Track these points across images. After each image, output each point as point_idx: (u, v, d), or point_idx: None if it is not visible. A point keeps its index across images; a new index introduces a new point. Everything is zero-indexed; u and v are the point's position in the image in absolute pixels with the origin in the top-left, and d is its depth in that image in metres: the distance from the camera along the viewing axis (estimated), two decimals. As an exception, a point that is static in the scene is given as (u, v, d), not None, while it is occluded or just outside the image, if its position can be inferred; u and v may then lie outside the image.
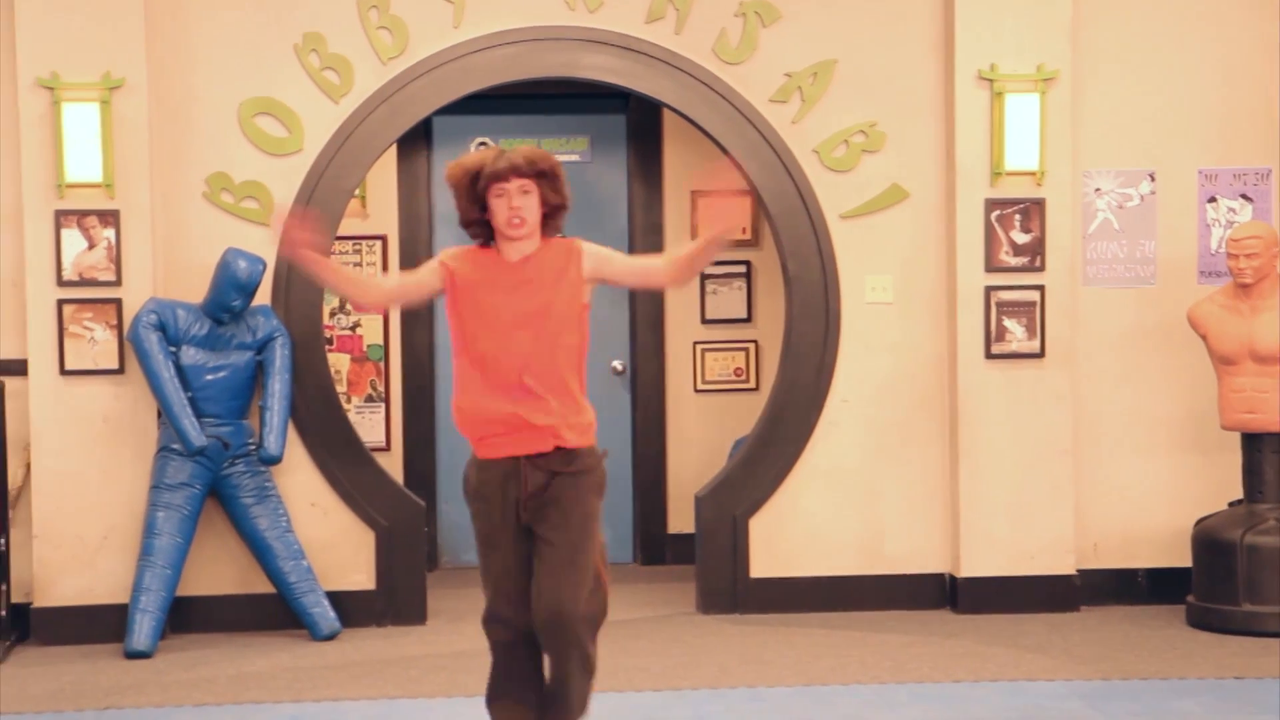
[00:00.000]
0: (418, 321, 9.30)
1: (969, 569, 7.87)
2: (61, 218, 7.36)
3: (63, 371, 7.38)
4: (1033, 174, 7.79)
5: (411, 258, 9.20)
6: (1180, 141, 8.02)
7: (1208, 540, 7.56)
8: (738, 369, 9.32)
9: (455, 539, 9.38)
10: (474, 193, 4.89)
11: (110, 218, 7.37)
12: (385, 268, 9.19)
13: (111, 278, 7.39)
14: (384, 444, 9.14)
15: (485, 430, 4.94)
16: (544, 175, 4.90)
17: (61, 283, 7.37)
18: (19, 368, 7.41)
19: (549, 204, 4.94)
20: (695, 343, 9.34)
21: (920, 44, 7.91)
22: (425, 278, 5.06)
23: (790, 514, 7.92)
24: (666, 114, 8.94)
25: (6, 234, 7.46)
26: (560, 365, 4.92)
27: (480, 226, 4.95)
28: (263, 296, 7.55)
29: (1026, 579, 7.86)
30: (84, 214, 7.36)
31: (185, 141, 7.58)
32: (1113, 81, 7.97)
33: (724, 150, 7.84)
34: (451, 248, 5.13)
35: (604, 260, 5.04)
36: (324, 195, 7.64)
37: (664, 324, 9.40)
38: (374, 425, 9.14)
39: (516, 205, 4.85)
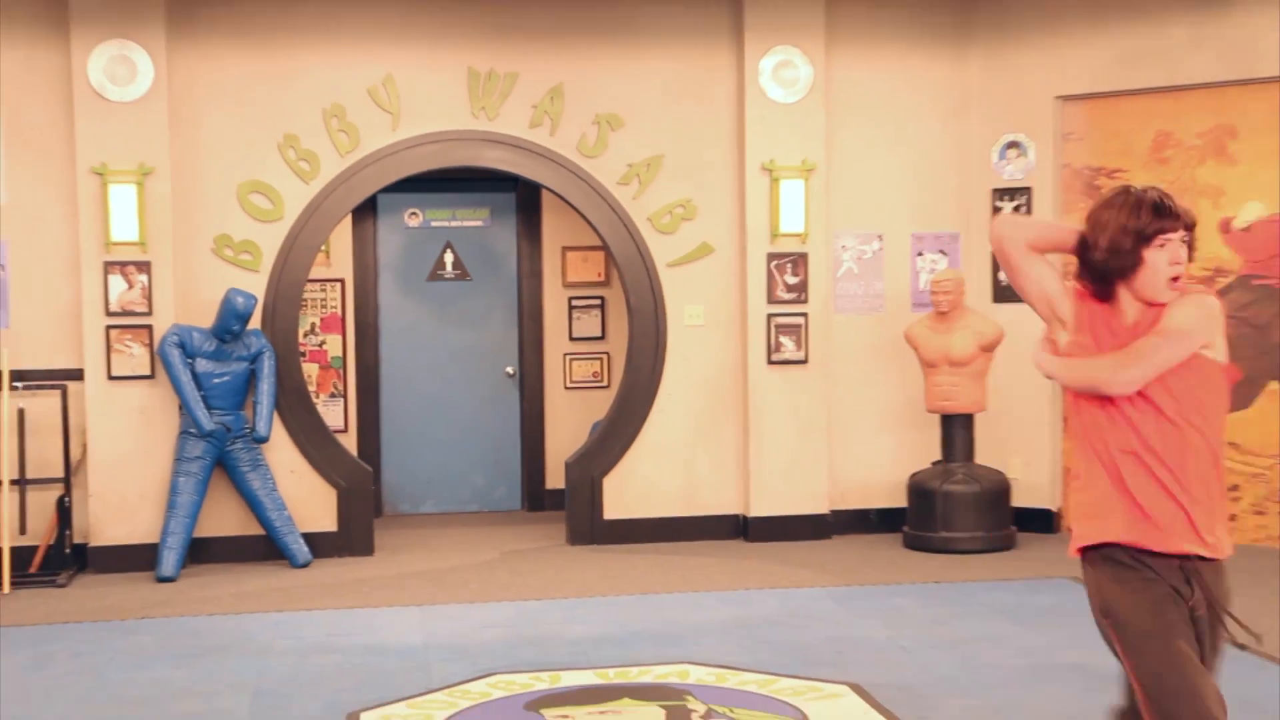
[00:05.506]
0: (367, 341, 9.03)
1: (756, 511, 7.89)
2: (109, 267, 7.28)
3: (110, 377, 7.29)
4: (799, 235, 7.80)
5: (363, 294, 8.95)
6: (898, 213, 8.08)
7: (917, 488, 7.61)
8: (595, 372, 9.21)
9: (394, 494, 9.17)
10: (1135, 242, 2.98)
11: (144, 267, 7.28)
12: (344, 303, 8.88)
13: (145, 310, 7.30)
14: (343, 427, 8.91)
15: None
16: (1193, 227, 3.07)
17: (109, 314, 7.28)
18: (78, 375, 7.35)
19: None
20: (565, 354, 9.15)
21: (721, 144, 7.88)
22: (1052, 286, 3.11)
23: (632, 475, 7.92)
24: (544, 193, 8.82)
25: (69, 279, 7.35)
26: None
27: (1107, 282, 3.06)
28: (255, 322, 7.47)
29: (796, 517, 7.89)
30: (124, 264, 7.27)
31: (197, 211, 7.45)
32: (853, 171, 8.00)
33: (587, 220, 7.79)
34: (1071, 281, 3.15)
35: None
36: (299, 250, 7.53)
37: (543, 340, 9.13)
38: (336, 414, 8.92)
39: (1180, 259, 3.02)
